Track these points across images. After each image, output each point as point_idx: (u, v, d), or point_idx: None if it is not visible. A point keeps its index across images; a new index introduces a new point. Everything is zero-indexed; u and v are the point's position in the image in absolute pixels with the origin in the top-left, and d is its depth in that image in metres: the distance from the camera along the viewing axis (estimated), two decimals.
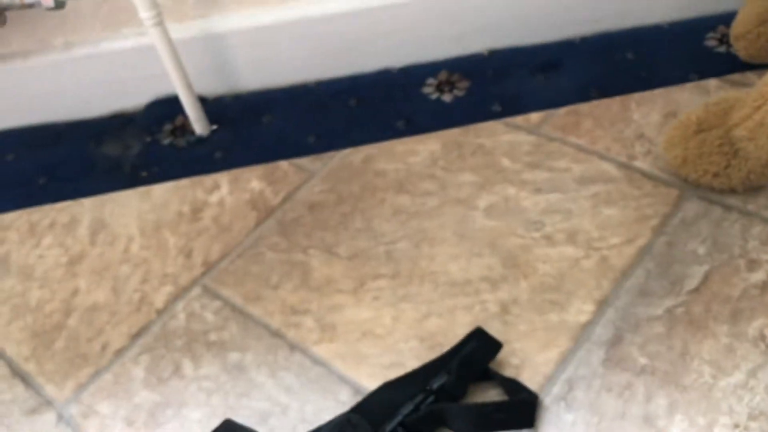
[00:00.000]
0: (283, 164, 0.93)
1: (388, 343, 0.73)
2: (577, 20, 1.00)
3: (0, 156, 1.04)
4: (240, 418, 0.69)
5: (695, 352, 0.67)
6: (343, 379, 0.71)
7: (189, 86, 0.96)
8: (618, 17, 1.00)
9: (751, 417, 0.62)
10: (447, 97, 0.97)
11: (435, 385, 0.65)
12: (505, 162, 0.86)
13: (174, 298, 0.81)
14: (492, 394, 0.67)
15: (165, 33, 0.91)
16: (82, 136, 1.04)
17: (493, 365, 0.68)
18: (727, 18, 0.97)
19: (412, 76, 1.01)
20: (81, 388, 0.75)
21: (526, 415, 0.64)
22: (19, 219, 0.94)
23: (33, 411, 0.74)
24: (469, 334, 0.70)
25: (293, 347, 0.74)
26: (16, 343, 0.81)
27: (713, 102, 0.77)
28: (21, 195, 0.97)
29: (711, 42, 0.97)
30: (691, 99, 0.89)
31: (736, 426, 0.62)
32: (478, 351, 0.67)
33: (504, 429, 0.64)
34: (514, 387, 0.66)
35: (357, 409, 0.66)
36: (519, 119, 0.91)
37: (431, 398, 0.65)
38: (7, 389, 0.77)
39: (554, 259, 0.76)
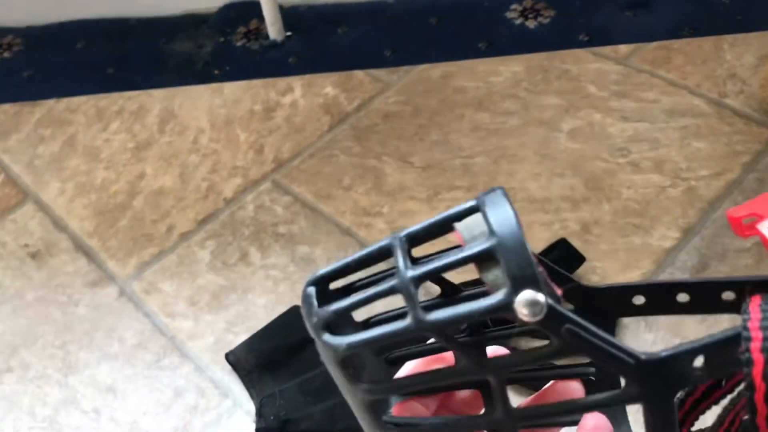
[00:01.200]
0: (359, 73, 0.91)
1: None
2: None
3: (70, 44, 1.02)
4: None
5: None
6: None
7: None
8: None
9: None
10: (531, 24, 0.94)
11: None
12: (592, 89, 0.84)
13: (243, 190, 0.80)
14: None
15: None
16: (153, 32, 1.02)
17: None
18: None
19: (495, 0, 0.98)
20: (144, 266, 0.74)
21: None
22: (86, 103, 0.93)
23: (95, 284, 0.73)
24: (552, 244, 0.68)
25: (363, 246, 0.72)
26: (79, 218, 0.80)
27: None
28: (90, 82, 0.96)
29: None
30: None
31: None
32: (560, 260, 0.65)
33: None
34: None
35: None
36: (607, 50, 0.88)
37: None
38: (70, 262, 0.76)
39: (639, 185, 0.74)
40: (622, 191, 0.73)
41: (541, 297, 0.20)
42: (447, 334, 0.22)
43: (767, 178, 0.73)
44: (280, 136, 0.85)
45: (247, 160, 0.83)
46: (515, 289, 0.21)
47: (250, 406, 0.62)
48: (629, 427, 0.28)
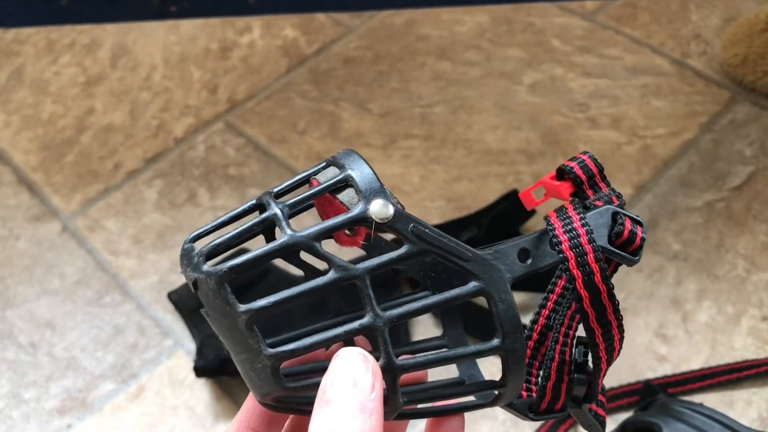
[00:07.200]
0: (320, 16, 0.89)
1: (415, 200, 0.70)
2: None
3: None
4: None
5: (731, 245, 0.65)
6: None
7: None
8: None
9: None
10: None
11: (463, 238, 0.63)
12: (556, 43, 0.83)
13: (194, 130, 0.77)
14: None
15: None
16: None
17: (522, 231, 0.66)
18: None
19: None
20: (89, 202, 0.72)
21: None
22: (36, 35, 0.89)
23: (37, 218, 0.71)
24: (503, 196, 0.67)
25: None
26: (24, 152, 0.77)
27: None
28: (41, 13, 0.92)
29: None
30: (754, 9, 0.85)
31: (765, 318, 0.60)
32: (510, 211, 0.65)
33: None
34: None
35: None
36: (574, 4, 0.87)
37: None
38: (12, 195, 0.73)
39: (596, 140, 0.73)
40: (579, 146, 0.73)
41: (388, 203, 0.25)
42: (315, 248, 0.25)
43: (723, 139, 0.73)
44: (236, 76, 0.82)
45: (200, 99, 0.80)
46: (368, 201, 0.25)
47: (191, 346, 0.61)
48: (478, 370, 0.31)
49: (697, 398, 0.56)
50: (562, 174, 0.29)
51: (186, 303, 0.63)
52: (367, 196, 0.25)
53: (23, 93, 0.83)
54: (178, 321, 0.63)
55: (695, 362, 0.58)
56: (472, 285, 0.26)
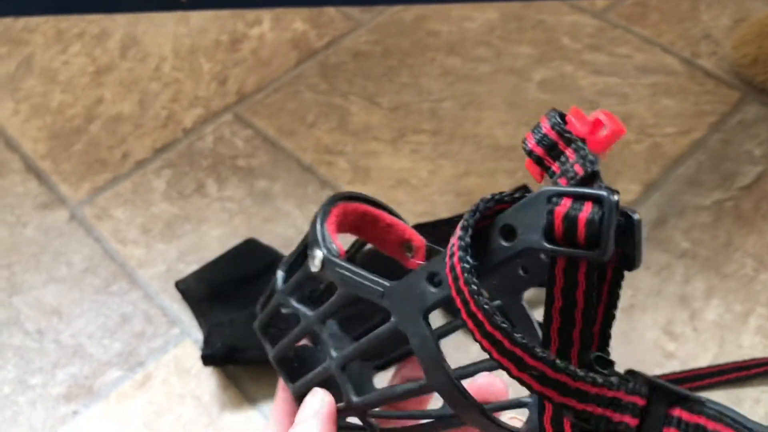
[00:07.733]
0: (330, 10, 0.88)
1: (423, 194, 0.70)
2: None
3: None
4: (262, 241, 0.66)
5: (739, 244, 0.65)
6: None
7: None
8: None
9: None
10: None
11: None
12: (566, 40, 0.83)
13: (203, 121, 0.77)
14: None
15: None
16: None
17: None
18: None
19: None
20: (97, 191, 0.72)
21: None
22: (45, 24, 0.89)
23: (45, 206, 0.71)
24: (513, 189, 0.67)
25: (324, 183, 0.71)
26: (32, 140, 0.77)
27: None
28: (49, 2, 0.92)
29: None
30: (765, 10, 0.85)
31: None
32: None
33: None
34: None
35: None
36: (584, 2, 0.87)
37: None
38: (20, 183, 0.73)
39: None
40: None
41: (319, 252, 0.25)
42: (288, 295, 0.29)
43: (732, 139, 0.73)
44: (245, 68, 0.82)
45: (209, 90, 0.80)
46: (310, 257, 0.27)
47: (198, 336, 0.61)
48: None
49: (704, 396, 0.56)
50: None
51: (194, 292, 0.63)
52: (308, 249, 0.27)
53: (32, 81, 0.83)
54: (185, 310, 0.63)
55: (703, 360, 0.58)
56: (390, 322, 0.24)
